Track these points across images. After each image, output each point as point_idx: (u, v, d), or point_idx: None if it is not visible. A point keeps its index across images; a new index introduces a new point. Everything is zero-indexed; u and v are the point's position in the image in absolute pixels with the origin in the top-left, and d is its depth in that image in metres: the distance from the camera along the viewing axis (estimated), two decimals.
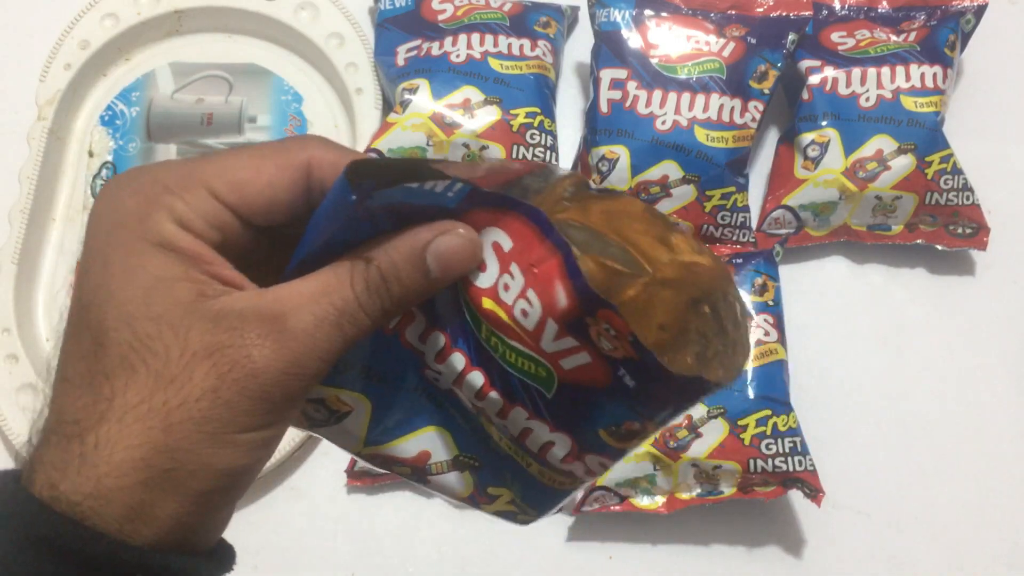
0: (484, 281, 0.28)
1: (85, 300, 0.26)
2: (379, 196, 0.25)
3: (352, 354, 0.30)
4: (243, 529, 0.59)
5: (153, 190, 0.26)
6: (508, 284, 0.27)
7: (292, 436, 0.59)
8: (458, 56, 0.64)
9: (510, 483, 0.32)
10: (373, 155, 0.26)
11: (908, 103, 0.64)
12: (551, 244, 0.26)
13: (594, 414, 0.28)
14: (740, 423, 0.56)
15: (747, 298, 0.61)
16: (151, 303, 0.25)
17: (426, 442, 0.32)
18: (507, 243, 0.27)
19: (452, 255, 0.27)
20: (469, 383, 0.29)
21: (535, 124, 0.64)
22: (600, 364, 0.26)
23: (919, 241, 0.66)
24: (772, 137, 0.70)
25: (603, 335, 0.25)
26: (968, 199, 0.64)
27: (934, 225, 0.65)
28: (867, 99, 0.64)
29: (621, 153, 0.63)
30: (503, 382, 0.29)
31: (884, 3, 0.70)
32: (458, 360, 0.29)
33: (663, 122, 0.63)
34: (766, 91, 0.64)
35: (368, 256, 0.26)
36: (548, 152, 0.64)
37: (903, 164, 0.63)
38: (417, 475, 0.33)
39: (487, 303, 0.28)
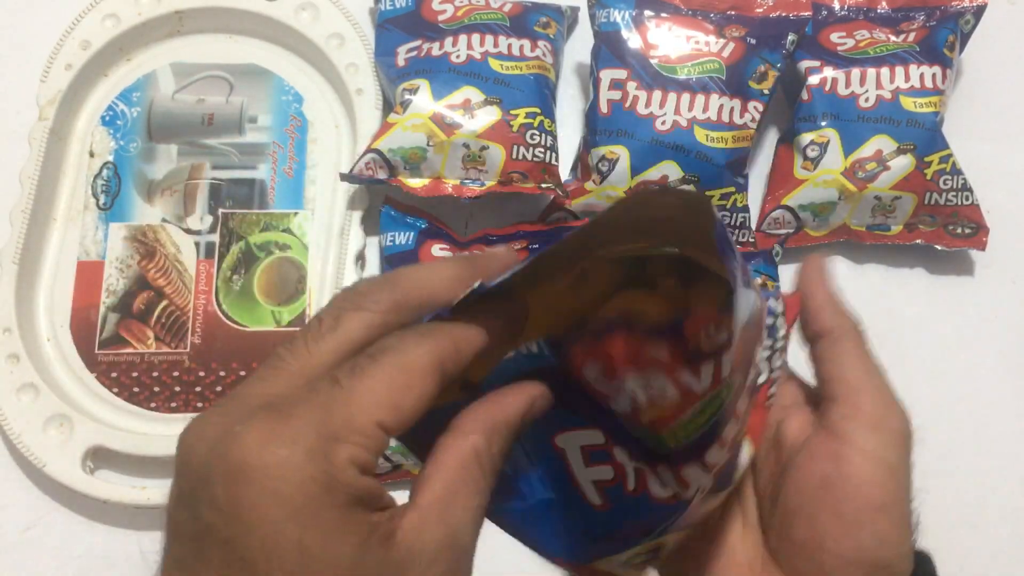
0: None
1: None
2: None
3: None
4: None
5: (325, 446, 0.25)
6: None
7: None
8: (458, 56, 0.64)
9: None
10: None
11: (907, 103, 0.64)
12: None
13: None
14: None
15: None
16: (361, 571, 0.25)
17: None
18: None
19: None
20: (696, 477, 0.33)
21: (535, 124, 0.64)
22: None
23: (918, 241, 0.66)
24: (772, 137, 0.70)
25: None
26: (967, 199, 0.64)
27: (933, 225, 0.66)
28: (866, 99, 0.64)
29: (621, 153, 0.63)
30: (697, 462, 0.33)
31: (883, 3, 0.70)
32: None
33: (663, 122, 0.63)
34: (766, 91, 0.64)
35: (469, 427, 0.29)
36: (548, 152, 0.64)
37: (902, 164, 0.64)
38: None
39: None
